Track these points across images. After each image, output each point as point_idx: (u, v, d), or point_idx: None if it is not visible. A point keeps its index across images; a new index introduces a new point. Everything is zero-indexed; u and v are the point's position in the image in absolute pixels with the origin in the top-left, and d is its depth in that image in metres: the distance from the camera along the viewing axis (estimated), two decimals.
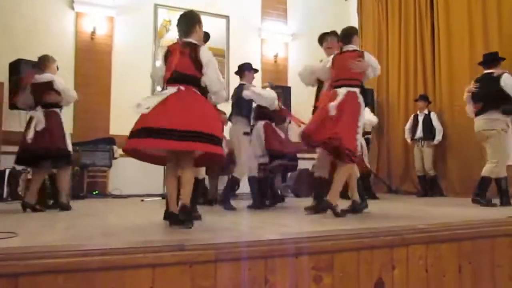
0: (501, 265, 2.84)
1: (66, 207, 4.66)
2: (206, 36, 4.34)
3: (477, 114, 5.33)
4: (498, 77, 5.19)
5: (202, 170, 4.77)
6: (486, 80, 5.33)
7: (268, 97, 5.13)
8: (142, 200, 6.49)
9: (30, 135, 4.49)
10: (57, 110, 4.77)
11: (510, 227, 2.99)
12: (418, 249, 2.57)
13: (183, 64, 3.22)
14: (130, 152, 3.18)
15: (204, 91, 3.33)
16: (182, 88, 3.16)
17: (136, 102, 3.09)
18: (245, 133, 5.14)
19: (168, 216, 3.15)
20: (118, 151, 7.18)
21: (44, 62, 4.79)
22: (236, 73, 5.46)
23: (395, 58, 8.65)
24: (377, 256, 2.44)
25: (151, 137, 2.94)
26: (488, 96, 5.22)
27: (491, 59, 5.46)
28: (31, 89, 4.70)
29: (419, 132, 7.39)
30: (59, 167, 4.81)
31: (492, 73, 5.32)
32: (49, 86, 4.66)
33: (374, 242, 2.45)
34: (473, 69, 6.73)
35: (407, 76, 8.40)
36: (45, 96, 4.65)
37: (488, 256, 2.81)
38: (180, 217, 3.00)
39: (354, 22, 9.78)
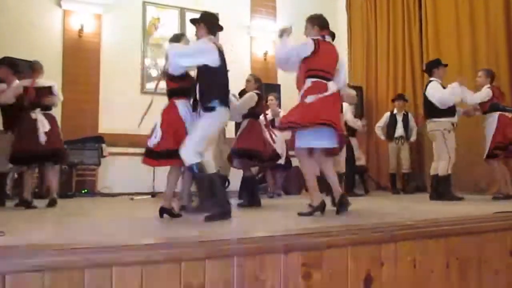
0: (488, 260, 2.88)
1: None
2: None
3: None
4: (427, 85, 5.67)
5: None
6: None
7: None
8: (132, 199, 6.45)
9: (42, 137, 4.77)
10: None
11: (496, 223, 3.03)
12: (406, 245, 2.59)
13: None
14: None
15: None
16: None
17: None
18: None
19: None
20: (106, 149, 7.14)
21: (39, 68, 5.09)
22: None
23: (383, 56, 8.68)
24: (366, 252, 2.45)
25: None
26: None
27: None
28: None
29: (401, 131, 7.53)
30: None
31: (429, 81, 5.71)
32: (50, 90, 5.04)
33: (363, 238, 2.47)
34: (461, 66, 6.80)
35: (396, 73, 8.44)
36: (44, 99, 4.94)
37: (475, 252, 2.84)
38: None
39: (343, 20, 9.81)
